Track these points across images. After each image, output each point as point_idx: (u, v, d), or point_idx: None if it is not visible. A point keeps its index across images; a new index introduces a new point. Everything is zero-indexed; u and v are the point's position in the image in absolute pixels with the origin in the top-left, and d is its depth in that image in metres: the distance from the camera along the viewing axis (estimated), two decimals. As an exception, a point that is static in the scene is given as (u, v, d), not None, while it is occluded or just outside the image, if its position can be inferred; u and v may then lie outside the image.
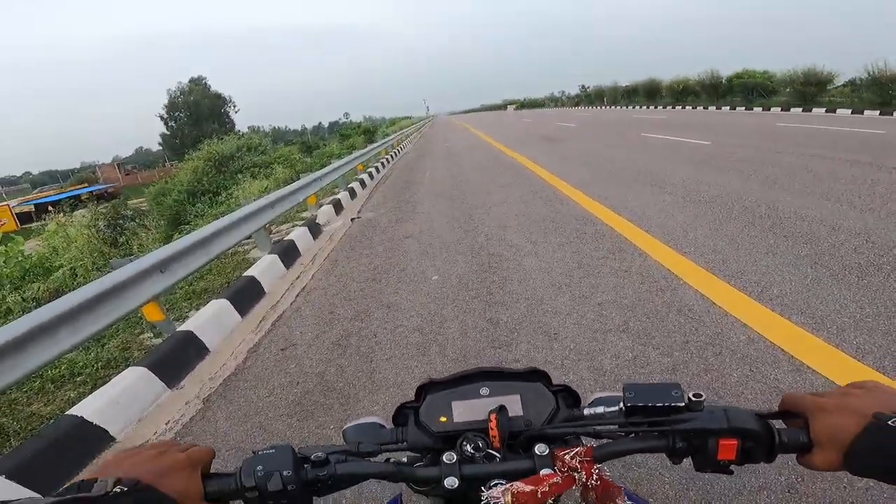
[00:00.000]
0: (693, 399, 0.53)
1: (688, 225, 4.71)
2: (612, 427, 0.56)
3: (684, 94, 32.53)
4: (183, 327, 3.45)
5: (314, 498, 0.55)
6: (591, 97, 56.58)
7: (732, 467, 0.52)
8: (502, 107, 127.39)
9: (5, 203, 37.61)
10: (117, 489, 0.45)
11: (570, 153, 12.28)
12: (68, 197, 27.20)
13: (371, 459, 0.58)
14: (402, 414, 0.68)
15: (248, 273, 4.50)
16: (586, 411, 0.60)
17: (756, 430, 0.50)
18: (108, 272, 3.14)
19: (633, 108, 34.11)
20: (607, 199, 6.23)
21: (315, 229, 6.47)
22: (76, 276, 6.99)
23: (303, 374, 2.88)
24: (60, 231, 9.07)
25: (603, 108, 41.91)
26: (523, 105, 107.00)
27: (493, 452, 0.57)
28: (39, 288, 6.60)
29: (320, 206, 7.92)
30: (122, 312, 3.00)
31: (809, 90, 21.51)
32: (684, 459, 0.55)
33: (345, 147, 23.34)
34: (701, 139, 11.61)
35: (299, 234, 5.89)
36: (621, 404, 0.56)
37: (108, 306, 2.90)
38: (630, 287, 3.42)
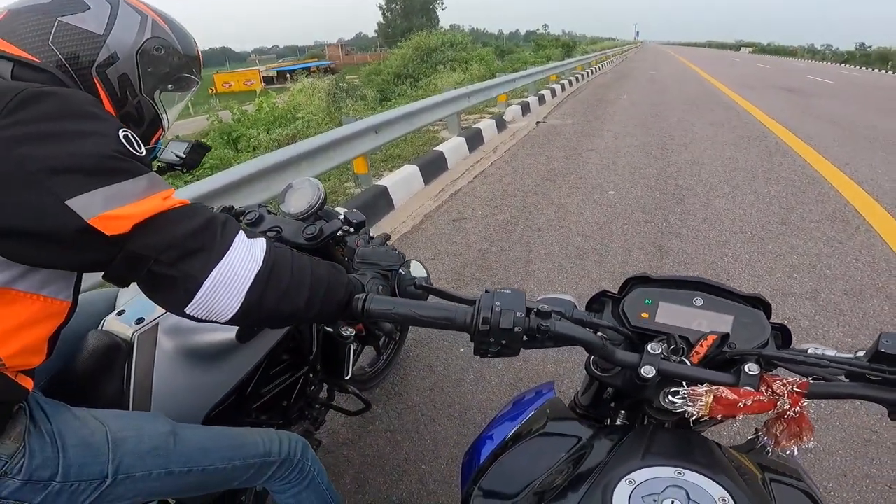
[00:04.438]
0: None
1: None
2: (840, 369, 0.53)
3: None
4: (379, 182, 4.04)
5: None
6: (871, 58, 42.68)
7: None
8: (735, 47, 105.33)
9: (256, 68, 47.52)
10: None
11: (813, 108, 9.94)
12: (302, 68, 32.35)
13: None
14: (599, 301, 0.69)
15: (438, 148, 4.98)
16: (810, 350, 0.57)
17: None
18: (338, 126, 3.82)
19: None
20: (848, 165, 5.07)
21: (501, 124, 6.72)
22: (308, 127, 8.46)
23: (467, 247, 3.18)
24: (304, 91, 10.91)
25: (885, 72, 30.89)
26: (764, 50, 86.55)
27: (686, 360, 0.57)
28: (283, 132, 8.19)
29: (509, 105, 8.05)
30: (345, 158, 3.69)
31: None
32: None
33: (539, 57, 22.38)
34: None
35: (486, 125, 6.20)
36: (861, 352, 0.54)
37: (336, 151, 3.58)
38: (839, 259, 2.93)
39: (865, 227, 3.42)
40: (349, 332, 1.16)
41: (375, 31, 70.36)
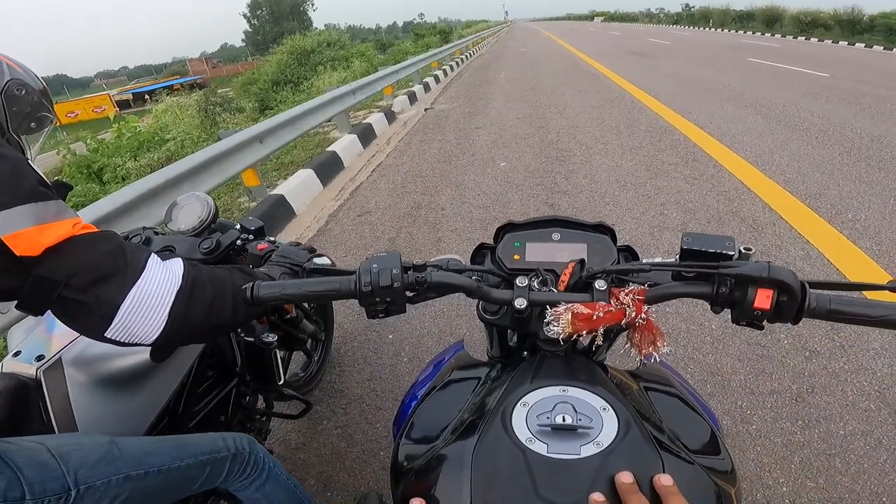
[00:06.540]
0: (743, 251, 0.56)
1: (775, 146, 4.46)
2: (666, 272, 0.60)
3: (811, 26, 26.74)
4: (274, 192, 3.88)
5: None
6: (695, 17, 48.63)
7: (764, 324, 0.55)
8: (589, 18, 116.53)
9: (106, 92, 41.85)
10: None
11: (657, 68, 11.31)
12: (163, 87, 29.10)
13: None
14: (480, 253, 0.75)
15: (331, 149, 4.89)
16: (644, 260, 0.65)
17: (792, 285, 0.51)
18: (216, 142, 3.56)
19: (746, 33, 28.55)
20: (691, 113, 5.91)
21: (391, 116, 6.77)
22: (183, 147, 7.77)
23: (375, 239, 3.21)
24: (170, 111, 9.96)
25: (708, 30, 35.45)
26: (613, 18, 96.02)
27: (554, 289, 0.62)
28: (154, 156, 7.43)
29: (395, 96, 8.11)
30: (231, 173, 3.45)
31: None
32: (724, 311, 0.58)
33: (419, 46, 22.70)
34: (819, 71, 10.10)
35: (376, 119, 6.21)
36: (677, 257, 0.59)
37: (220, 167, 3.35)
38: (696, 193, 3.44)
39: (713, 163, 4.04)
40: (270, 337, 1.15)
41: (243, 40, 66.35)
